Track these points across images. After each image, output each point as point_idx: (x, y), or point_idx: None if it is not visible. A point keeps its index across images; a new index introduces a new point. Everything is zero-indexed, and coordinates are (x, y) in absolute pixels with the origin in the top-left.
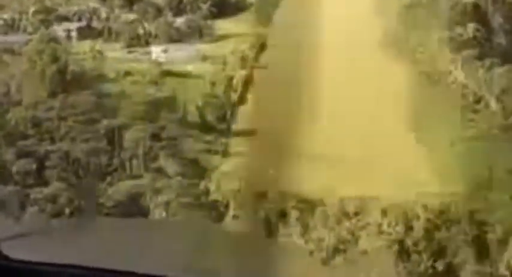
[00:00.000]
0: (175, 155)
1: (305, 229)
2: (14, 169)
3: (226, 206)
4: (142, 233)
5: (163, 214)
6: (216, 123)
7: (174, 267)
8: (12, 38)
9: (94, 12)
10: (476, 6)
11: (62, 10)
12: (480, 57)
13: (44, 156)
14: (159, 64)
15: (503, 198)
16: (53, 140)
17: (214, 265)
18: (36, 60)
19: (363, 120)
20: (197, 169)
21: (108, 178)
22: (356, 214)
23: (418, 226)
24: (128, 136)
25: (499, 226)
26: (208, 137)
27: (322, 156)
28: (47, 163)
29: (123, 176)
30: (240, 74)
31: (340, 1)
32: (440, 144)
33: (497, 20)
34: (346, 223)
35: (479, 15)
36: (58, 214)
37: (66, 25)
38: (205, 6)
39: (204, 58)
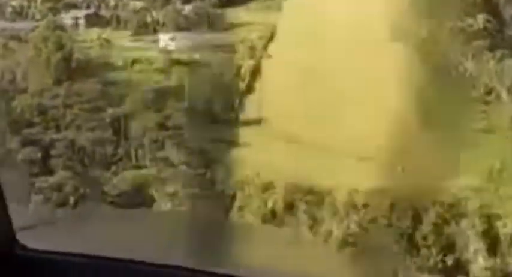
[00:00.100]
0: (181, 145)
1: (313, 221)
2: (19, 157)
3: (233, 197)
4: (147, 223)
5: (169, 204)
6: (224, 113)
7: (178, 256)
8: (19, 25)
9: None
10: None
11: None
12: (491, 49)
13: (49, 145)
14: (167, 52)
15: None
16: (58, 128)
17: (218, 255)
18: (42, 47)
19: (372, 111)
20: (204, 159)
21: (113, 168)
22: (365, 206)
23: (428, 220)
24: (134, 125)
25: (510, 220)
26: (215, 126)
27: (331, 147)
28: (52, 152)
29: (128, 165)
30: (248, 63)
31: None
32: (450, 136)
33: (508, 11)
34: (355, 216)
35: (490, 6)
36: (63, 204)
37: (74, 13)
38: None
39: (213, 47)
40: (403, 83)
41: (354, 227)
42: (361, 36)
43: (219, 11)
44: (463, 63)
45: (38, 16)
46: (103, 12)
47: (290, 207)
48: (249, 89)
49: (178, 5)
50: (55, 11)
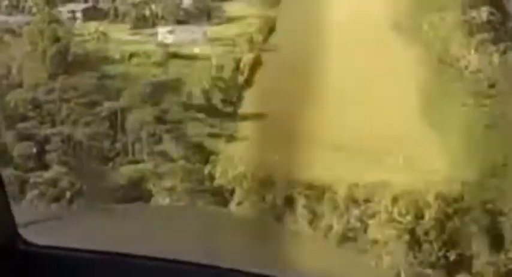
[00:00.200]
0: (179, 139)
1: (313, 216)
2: (14, 152)
3: (232, 192)
4: (144, 218)
5: (167, 199)
6: (222, 107)
7: (177, 251)
8: (15, 19)
9: None
10: None
11: None
12: (494, 42)
13: (44, 139)
14: (165, 46)
15: None
16: (53, 123)
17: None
18: (38, 41)
19: (373, 105)
20: (202, 154)
21: (110, 163)
22: (365, 201)
23: (429, 215)
24: (132, 119)
25: None
26: (214, 121)
27: (331, 141)
28: (48, 147)
29: (125, 160)
30: (247, 57)
31: None
32: (453, 130)
33: None
34: (355, 211)
35: None
36: (58, 199)
37: (71, 6)
38: None
39: (212, 40)
40: (404, 76)
41: (354, 222)
42: (362, 28)
43: (218, 4)
44: (466, 57)
45: (34, 10)
46: (101, 5)
47: (289, 201)
48: (248, 82)
49: None
50: (52, 4)
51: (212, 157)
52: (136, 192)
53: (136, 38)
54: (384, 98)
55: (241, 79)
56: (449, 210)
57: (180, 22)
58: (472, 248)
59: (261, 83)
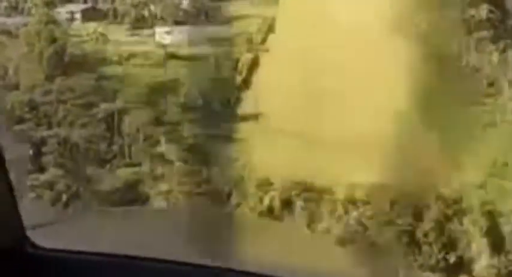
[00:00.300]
0: (176, 141)
1: (311, 218)
2: (11, 155)
3: (229, 194)
4: (141, 220)
5: (163, 202)
6: (220, 108)
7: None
8: (13, 20)
9: None
10: None
11: None
12: (494, 40)
13: (40, 142)
14: (163, 46)
15: None
16: (50, 125)
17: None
18: (35, 42)
19: (372, 105)
20: (199, 156)
21: (107, 165)
22: (364, 203)
23: (429, 217)
24: (129, 120)
25: None
26: (212, 122)
27: (329, 142)
28: (44, 149)
29: (122, 162)
30: (245, 57)
31: None
32: (452, 130)
33: (511, 2)
34: (354, 213)
35: None
36: (55, 202)
37: (70, 7)
38: None
39: (210, 40)
40: (403, 76)
41: (353, 224)
42: (361, 28)
43: (217, 4)
44: (465, 55)
45: (33, 11)
46: (100, 5)
47: (287, 203)
48: (247, 83)
49: None
50: (52, 5)
51: (209, 159)
52: (133, 195)
53: (135, 38)
54: (383, 98)
55: (239, 79)
56: (449, 212)
57: (178, 23)
58: (472, 250)
59: (260, 84)
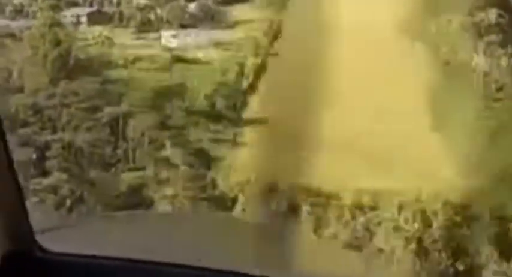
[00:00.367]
0: (182, 145)
1: (318, 224)
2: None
3: (234, 199)
4: (146, 225)
5: (168, 207)
6: (226, 112)
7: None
8: (17, 23)
9: None
10: None
11: None
12: (503, 44)
13: (44, 146)
14: (169, 50)
15: None
16: (54, 129)
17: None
18: (39, 45)
19: (380, 110)
20: (204, 160)
21: (112, 169)
22: (372, 209)
23: (437, 223)
24: (134, 124)
25: None
26: (217, 126)
27: (336, 146)
28: (48, 153)
29: (126, 166)
30: (252, 61)
31: None
32: (461, 135)
33: None
34: (361, 219)
35: (502, 0)
36: (58, 206)
37: (76, 10)
38: None
39: (216, 44)
40: (411, 79)
41: (360, 229)
42: (369, 32)
43: (223, 8)
44: (474, 59)
45: (39, 14)
46: (106, 9)
47: (294, 208)
48: (253, 87)
49: (182, 2)
50: (57, 9)
51: (215, 164)
52: (137, 199)
53: (140, 42)
54: (390, 102)
55: (245, 83)
56: (458, 218)
57: (184, 26)
58: (481, 257)
59: (266, 88)
